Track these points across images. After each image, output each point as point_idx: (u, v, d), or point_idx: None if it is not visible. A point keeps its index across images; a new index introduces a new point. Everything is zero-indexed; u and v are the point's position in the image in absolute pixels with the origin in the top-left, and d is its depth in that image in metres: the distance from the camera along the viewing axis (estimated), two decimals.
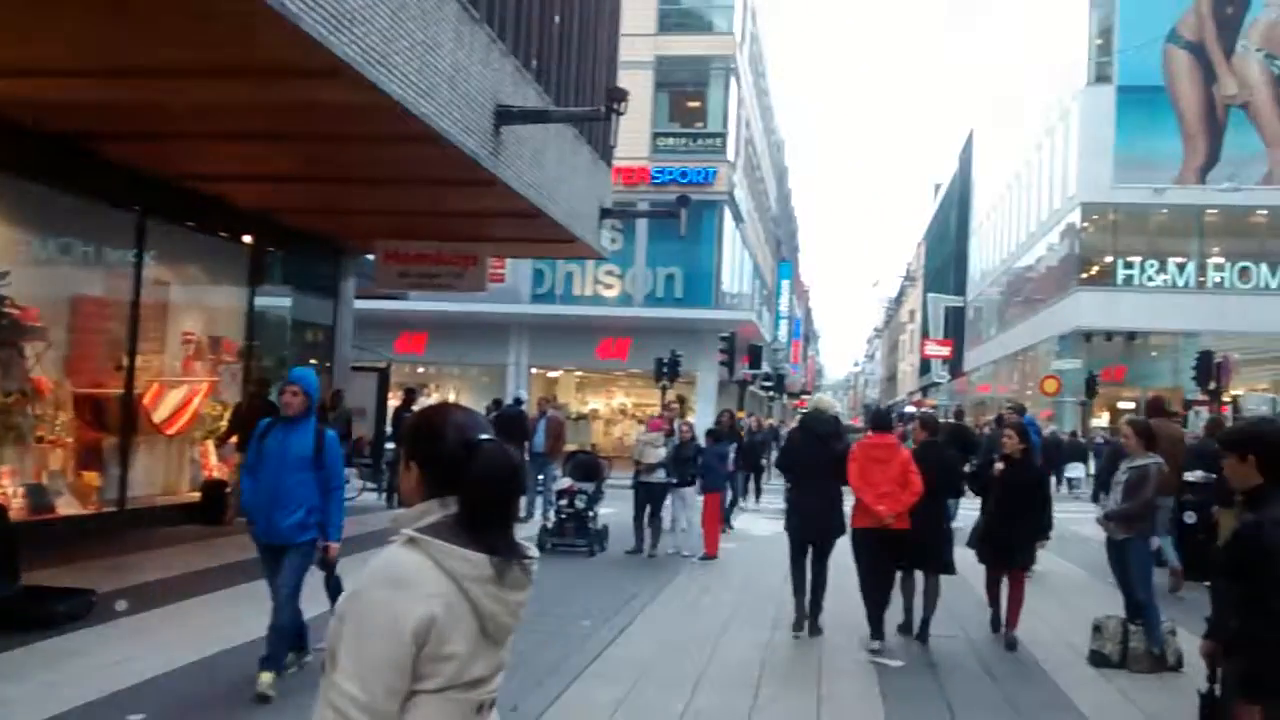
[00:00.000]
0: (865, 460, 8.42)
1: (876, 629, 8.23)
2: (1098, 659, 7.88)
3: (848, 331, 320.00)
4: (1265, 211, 34.58)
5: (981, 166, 59.90)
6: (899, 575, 8.72)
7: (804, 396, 52.64)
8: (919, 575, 8.73)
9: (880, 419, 9.33)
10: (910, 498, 8.17)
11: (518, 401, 18.06)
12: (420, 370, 32.19)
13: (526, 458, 16.40)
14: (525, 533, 14.29)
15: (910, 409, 40.78)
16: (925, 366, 66.12)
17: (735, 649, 8.15)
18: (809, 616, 8.75)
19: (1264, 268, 34.34)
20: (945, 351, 58.67)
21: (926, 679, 7.46)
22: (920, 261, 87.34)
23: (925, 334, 66.01)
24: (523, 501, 16.56)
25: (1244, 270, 34.61)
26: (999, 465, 8.59)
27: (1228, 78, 34.90)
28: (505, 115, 11.91)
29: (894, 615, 8.64)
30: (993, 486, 8.61)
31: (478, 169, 11.44)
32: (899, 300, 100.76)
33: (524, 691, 6.47)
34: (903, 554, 8.44)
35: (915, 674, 7.58)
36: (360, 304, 18.54)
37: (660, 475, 13.19)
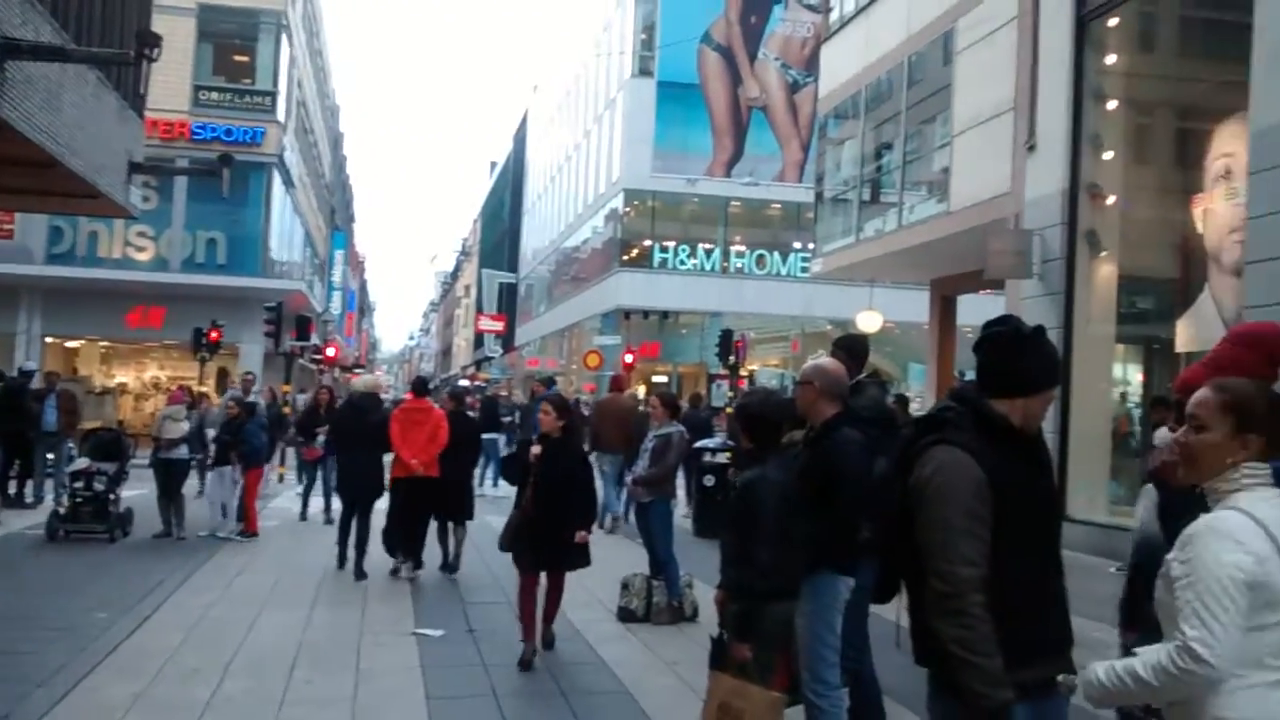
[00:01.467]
0: (405, 422, 10.08)
1: (403, 554, 10.00)
2: (625, 614, 8.42)
3: (404, 304, 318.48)
4: (779, 205, 38.62)
5: (535, 147, 61.79)
6: (435, 525, 10.33)
7: (357, 370, 51.68)
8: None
9: (419, 386, 11.11)
10: (435, 448, 9.91)
11: (23, 374, 16.06)
12: None
13: (33, 435, 14.71)
14: (35, 519, 12.92)
15: (464, 383, 41.34)
16: (479, 341, 67.26)
17: (271, 631, 7.82)
18: (355, 565, 10.07)
19: (777, 255, 38.33)
20: (498, 326, 60.06)
21: (465, 646, 7.58)
22: (476, 237, 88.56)
23: (480, 309, 67.10)
24: (29, 485, 14.99)
25: (760, 257, 38.44)
26: (535, 448, 7.13)
27: (751, 81, 38.52)
28: (12, 49, 10.47)
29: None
30: (532, 471, 7.09)
31: None
32: (455, 275, 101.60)
33: (21, 695, 5.78)
34: (437, 505, 10.08)
35: (455, 642, 7.68)
36: None
37: (183, 451, 12.37)
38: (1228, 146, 11.27)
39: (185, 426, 12.47)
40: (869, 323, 20.53)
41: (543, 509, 6.96)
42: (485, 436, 15.54)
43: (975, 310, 20.22)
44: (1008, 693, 2.61)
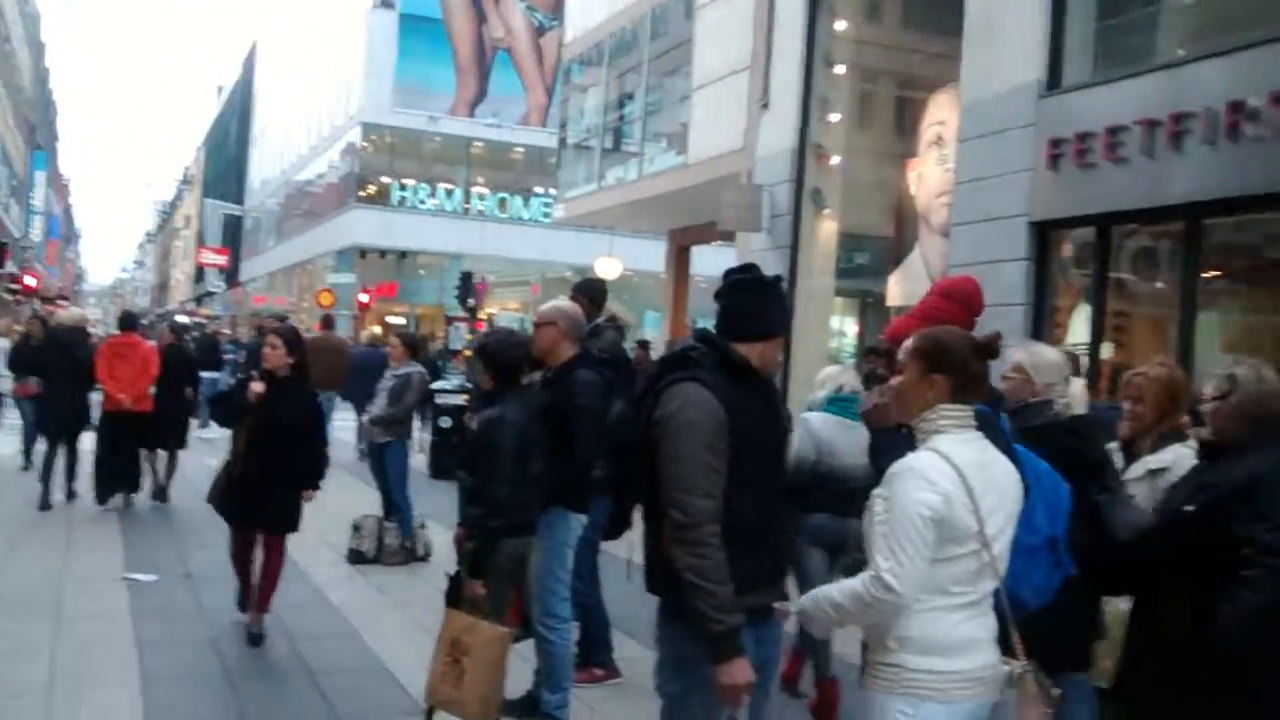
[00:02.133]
0: (112, 356, 10.03)
1: (103, 493, 9.90)
2: (355, 556, 8.26)
3: (116, 234, 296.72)
4: (522, 149, 38.40)
5: (265, 74, 58.56)
6: (145, 452, 10.37)
7: (60, 301, 47.75)
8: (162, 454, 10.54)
9: (126, 321, 10.97)
10: (145, 381, 9.95)
11: None
12: None
13: None
14: None
15: (182, 318, 39.05)
16: (200, 275, 63.63)
17: None
18: (66, 488, 10.16)
19: (519, 199, 38.18)
20: (222, 260, 56.96)
21: (181, 591, 7.23)
22: (199, 165, 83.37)
23: (202, 242, 63.41)
24: None
25: (502, 200, 38.17)
26: (257, 386, 6.05)
27: (495, 20, 37.94)
28: None
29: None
30: (251, 413, 6.04)
31: None
32: (175, 204, 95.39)
33: None
34: (148, 437, 10.17)
35: (169, 587, 7.31)
36: None
37: None
38: (941, 115, 12.12)
39: None
40: (608, 269, 20.83)
41: (262, 459, 5.96)
42: (204, 375, 14.78)
43: (708, 261, 20.98)
44: (738, 618, 2.75)
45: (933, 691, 2.56)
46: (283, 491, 6.09)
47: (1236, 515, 2.92)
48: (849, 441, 5.40)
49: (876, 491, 2.66)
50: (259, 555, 6.22)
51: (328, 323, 16.08)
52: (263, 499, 6.01)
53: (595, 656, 5.52)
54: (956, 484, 2.56)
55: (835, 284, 14.22)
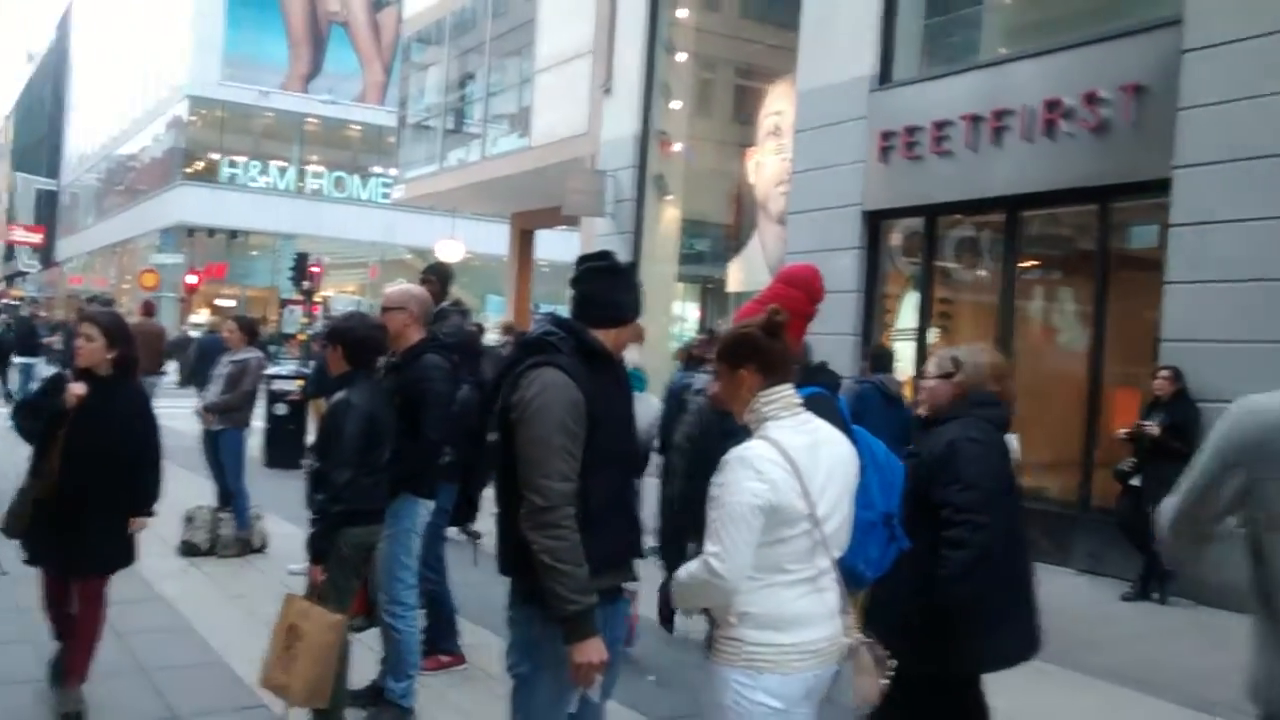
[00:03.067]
0: None
1: None
2: (188, 548, 7.98)
3: None
4: (359, 126, 37.52)
5: (82, 39, 55.46)
6: None
7: None
8: None
9: None
10: None
11: None
12: None
13: None
14: None
15: None
16: (11, 253, 59.97)
17: None
18: None
19: (356, 179, 37.31)
20: (36, 239, 53.88)
21: (10, 585, 6.86)
22: (8, 136, 78.38)
23: (12, 218, 59.72)
24: None
25: (339, 180, 37.25)
26: (77, 387, 4.57)
27: None
28: None
29: None
30: (66, 422, 4.58)
31: None
32: None
33: None
34: None
35: (17, 581, 6.92)
36: None
37: None
38: (778, 105, 12.43)
39: None
40: (450, 252, 20.60)
41: (80, 480, 4.59)
42: (20, 360, 14.04)
43: (552, 245, 20.98)
44: (592, 599, 2.81)
45: (770, 664, 2.68)
46: (107, 519, 4.71)
47: (934, 480, 3.40)
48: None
49: (715, 478, 2.74)
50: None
51: (148, 309, 15.36)
52: (81, 531, 4.66)
53: (442, 643, 5.51)
54: (785, 470, 2.66)
55: (678, 269, 14.44)
